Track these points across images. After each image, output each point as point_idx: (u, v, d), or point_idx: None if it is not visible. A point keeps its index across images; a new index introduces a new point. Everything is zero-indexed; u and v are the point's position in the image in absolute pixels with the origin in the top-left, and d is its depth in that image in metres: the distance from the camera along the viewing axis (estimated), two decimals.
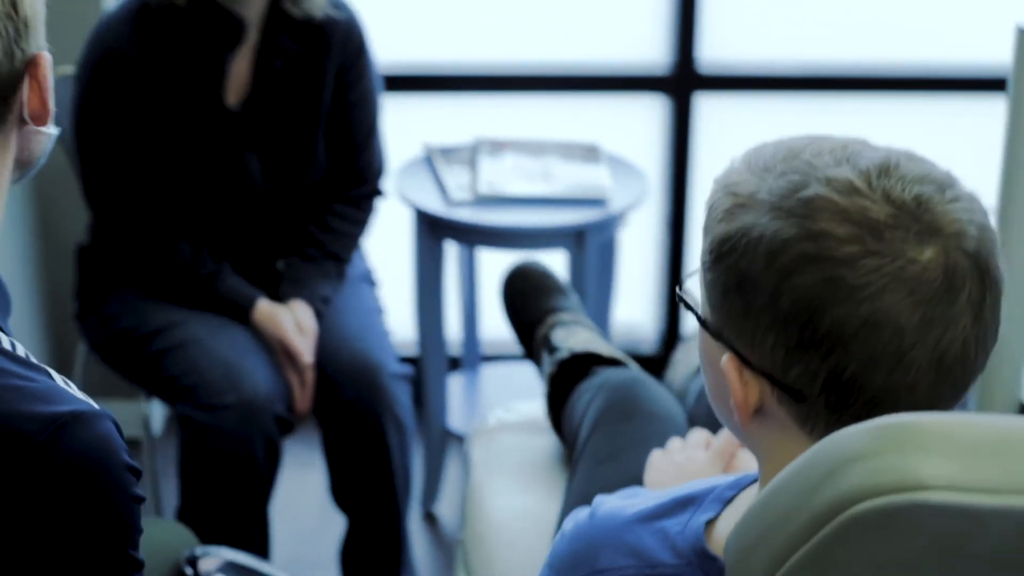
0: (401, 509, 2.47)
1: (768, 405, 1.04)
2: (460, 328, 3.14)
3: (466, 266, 3.06)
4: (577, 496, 1.79)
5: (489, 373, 3.17)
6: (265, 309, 2.39)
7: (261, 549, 2.38)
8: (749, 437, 1.09)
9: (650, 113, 3.14)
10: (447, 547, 2.82)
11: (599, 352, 2.08)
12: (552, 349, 2.15)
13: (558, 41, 3.09)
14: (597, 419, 1.89)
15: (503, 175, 2.80)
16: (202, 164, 2.36)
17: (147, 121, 2.32)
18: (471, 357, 3.16)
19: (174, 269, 2.37)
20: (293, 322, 2.38)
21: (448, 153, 2.91)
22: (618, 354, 2.11)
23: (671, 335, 3.28)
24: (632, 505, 1.16)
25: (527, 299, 2.31)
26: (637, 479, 1.73)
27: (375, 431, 2.39)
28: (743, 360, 1.03)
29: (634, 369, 2.05)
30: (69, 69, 2.40)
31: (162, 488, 2.81)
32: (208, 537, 2.26)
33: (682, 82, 3.08)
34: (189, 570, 1.80)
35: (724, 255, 1.04)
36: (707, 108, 3.13)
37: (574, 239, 2.68)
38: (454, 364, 3.14)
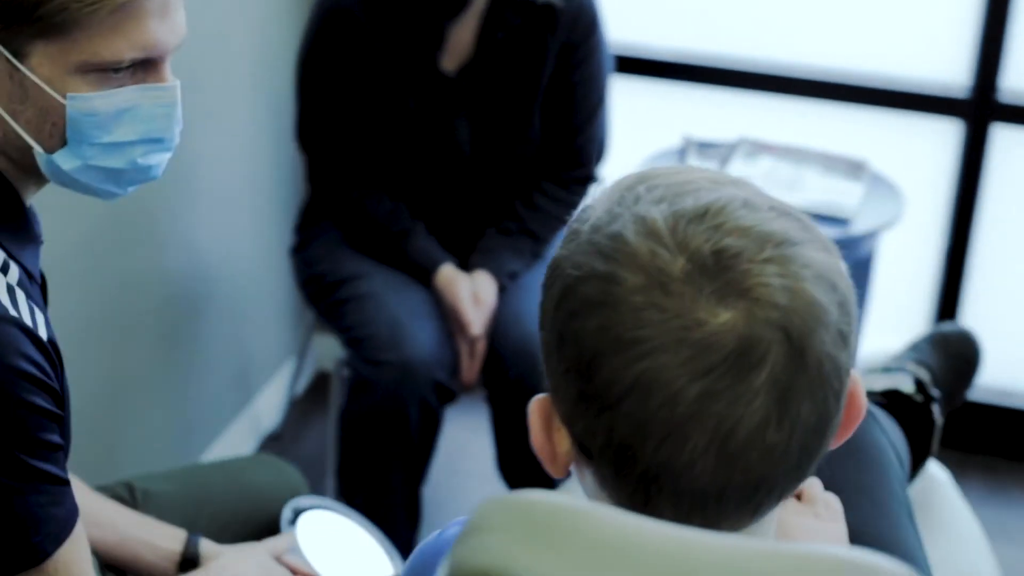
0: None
1: (576, 459, 0.97)
2: None
3: None
4: None
5: None
6: (447, 274, 2.42)
7: (411, 513, 2.43)
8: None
9: (937, 137, 2.91)
10: None
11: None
12: None
13: (848, 47, 2.92)
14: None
15: (749, 178, 2.70)
16: (413, 125, 2.41)
17: (364, 78, 2.40)
18: None
19: (369, 221, 2.44)
20: (470, 291, 2.40)
21: (706, 148, 2.83)
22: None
23: None
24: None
25: None
26: None
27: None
28: (554, 404, 0.96)
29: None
30: None
31: None
32: (354, 496, 2.33)
33: (980, 109, 2.83)
34: (288, 513, 1.86)
35: (544, 285, 0.96)
36: (1004, 140, 2.86)
37: None
38: None
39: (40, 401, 1.30)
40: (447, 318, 2.41)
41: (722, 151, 2.81)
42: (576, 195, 2.53)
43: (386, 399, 2.31)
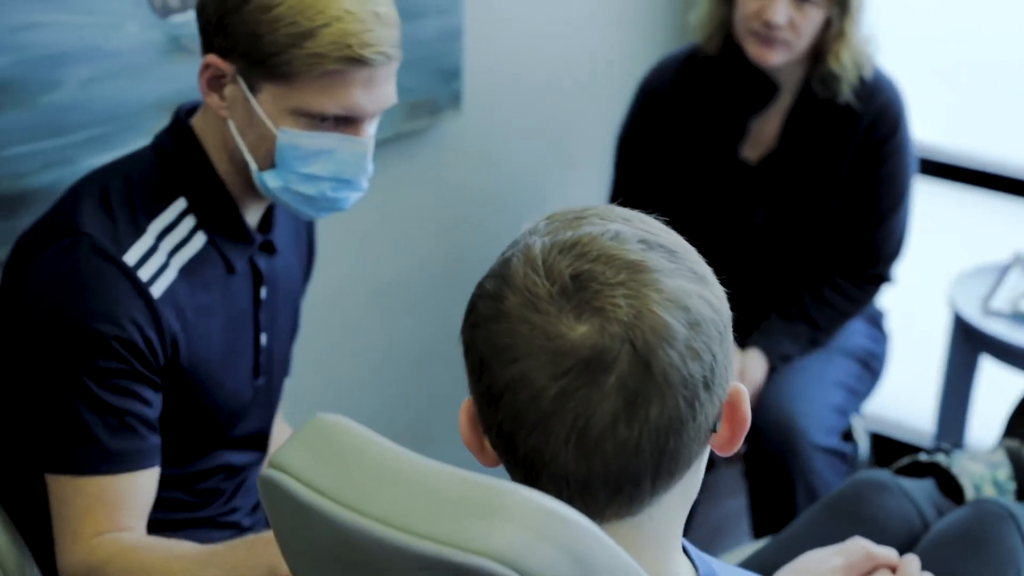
0: None
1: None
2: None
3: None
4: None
5: None
6: None
7: None
8: None
9: None
10: None
11: None
12: None
13: None
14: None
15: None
16: (711, 207, 2.59)
17: (671, 158, 2.60)
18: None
19: None
20: (738, 367, 2.53)
21: None
22: None
23: None
24: None
25: None
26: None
27: (786, 489, 2.46)
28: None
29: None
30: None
31: None
32: None
33: None
34: None
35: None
36: None
37: None
38: None
39: (115, 344, 1.50)
40: None
41: None
42: (867, 293, 2.59)
43: None
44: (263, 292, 1.74)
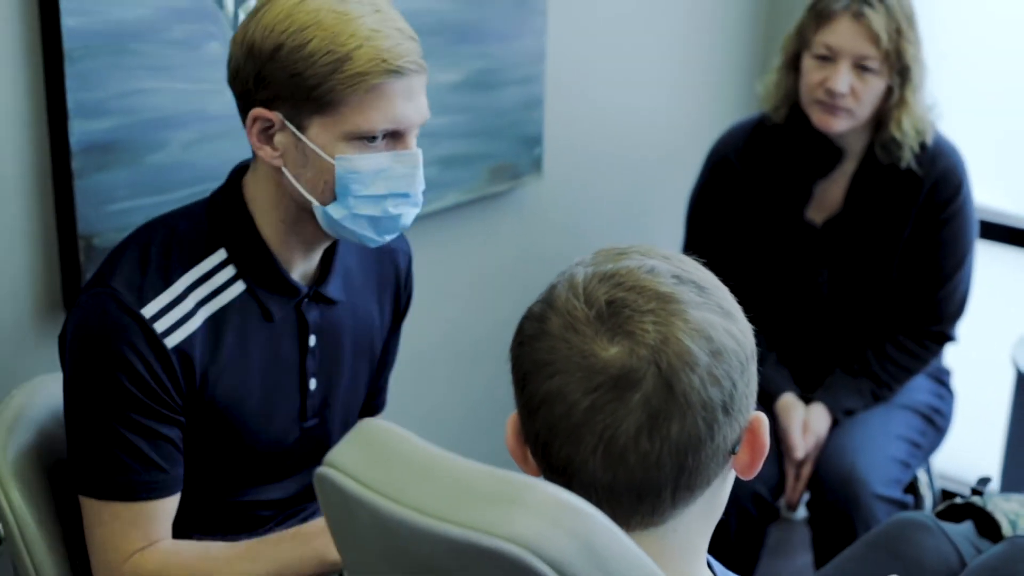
0: None
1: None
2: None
3: None
4: None
5: None
6: (786, 401, 2.66)
7: None
8: None
9: None
10: None
11: None
12: None
13: None
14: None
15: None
16: (777, 267, 2.70)
17: (738, 219, 2.72)
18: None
19: None
20: (801, 420, 2.62)
21: None
22: None
23: None
24: None
25: None
26: None
27: (849, 539, 2.54)
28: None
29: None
30: None
31: None
32: None
33: None
34: None
35: None
36: None
37: None
38: None
39: (130, 385, 1.61)
40: (779, 441, 2.64)
41: None
42: (929, 351, 2.68)
43: None
44: (311, 340, 1.79)
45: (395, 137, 1.67)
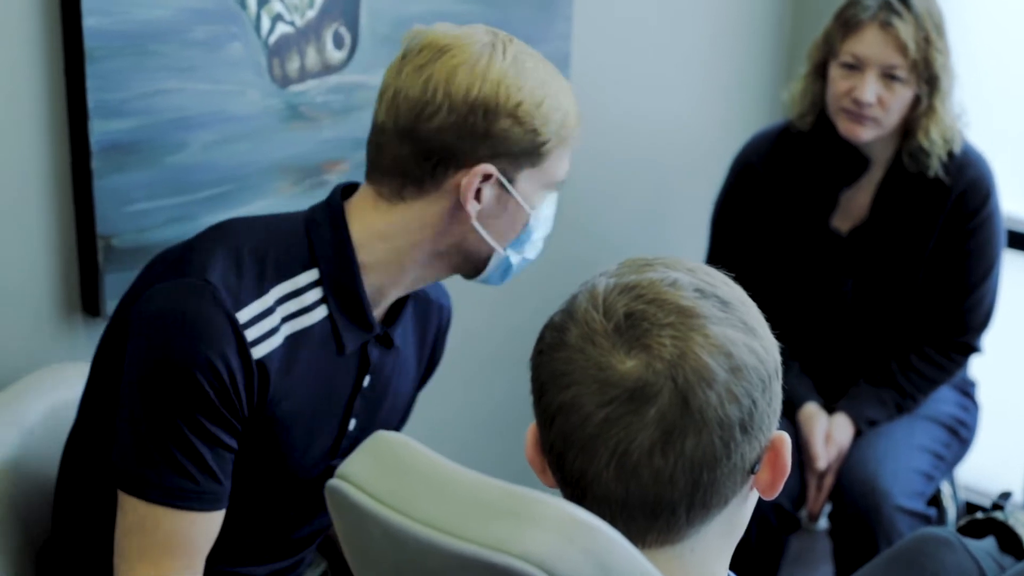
0: None
1: None
2: None
3: None
4: None
5: None
6: (808, 411, 2.64)
7: None
8: None
9: None
10: None
11: None
12: None
13: None
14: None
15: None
16: (802, 275, 2.68)
17: (762, 227, 2.70)
18: None
19: None
20: (825, 430, 2.60)
21: None
22: None
23: None
24: None
25: None
26: None
27: (870, 550, 2.52)
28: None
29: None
30: None
31: None
32: None
33: None
34: None
35: None
36: None
37: None
38: None
39: (208, 388, 1.55)
40: (801, 451, 2.62)
41: None
42: (955, 362, 2.65)
43: None
44: (366, 380, 1.77)
45: None
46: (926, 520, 2.54)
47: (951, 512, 2.70)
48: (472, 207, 1.65)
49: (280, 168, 2.22)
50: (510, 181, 1.65)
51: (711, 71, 3.12)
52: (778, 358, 1.17)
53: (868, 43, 2.49)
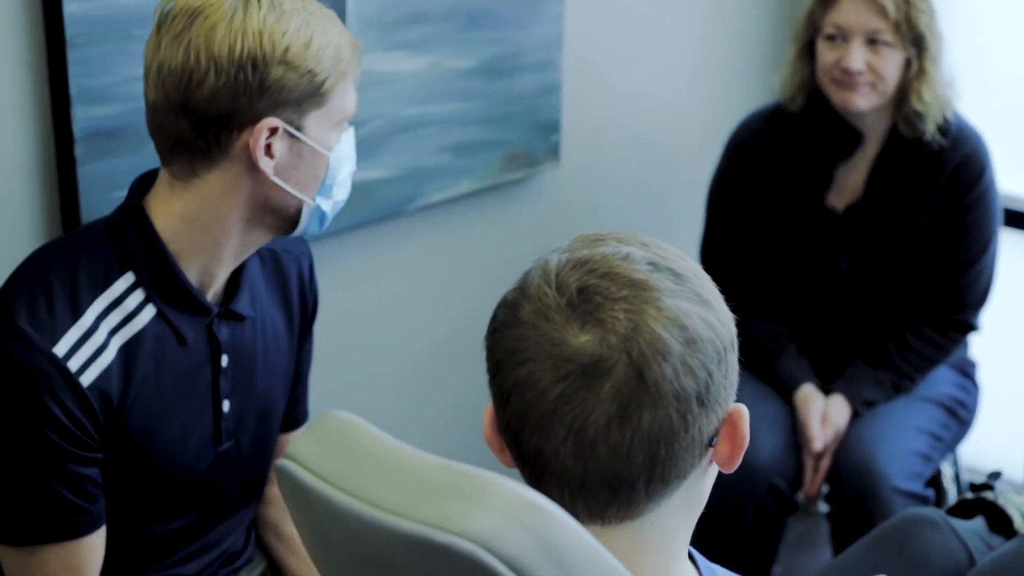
0: None
1: None
2: None
3: None
4: None
5: None
6: (805, 393, 2.62)
7: None
8: None
9: None
10: None
11: None
12: None
13: None
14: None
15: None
16: (798, 255, 2.66)
17: (757, 206, 2.68)
18: None
19: (744, 337, 2.68)
20: (821, 411, 2.58)
21: None
22: None
23: None
24: None
25: None
26: None
27: (867, 532, 2.49)
28: None
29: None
30: None
31: None
32: None
33: None
34: None
35: None
36: None
37: None
38: None
39: (52, 435, 1.53)
40: (798, 433, 2.60)
41: None
42: (952, 340, 2.63)
43: (727, 495, 2.54)
44: (224, 360, 1.74)
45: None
46: (923, 502, 2.52)
47: (952, 493, 2.68)
48: (266, 164, 1.59)
49: None
50: (298, 129, 1.60)
51: (706, 50, 3.10)
52: (733, 330, 1.17)
53: (848, 11, 2.49)
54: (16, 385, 1.54)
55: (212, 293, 1.71)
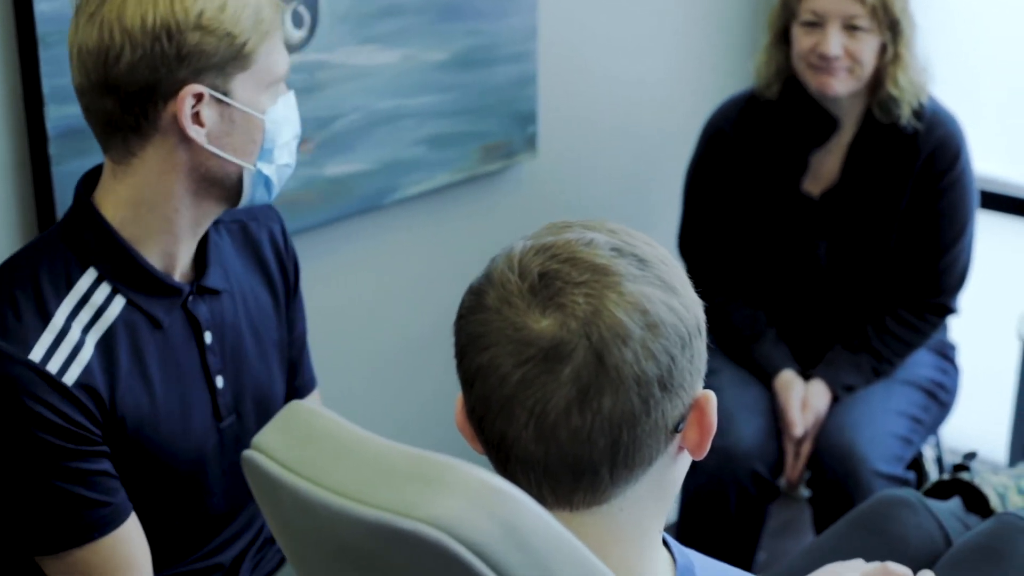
0: None
1: None
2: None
3: None
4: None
5: None
6: (785, 378, 2.63)
7: None
8: None
9: None
10: None
11: None
12: None
13: None
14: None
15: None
16: (775, 241, 2.67)
17: (735, 194, 2.69)
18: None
19: (726, 324, 2.71)
20: (800, 397, 2.59)
21: None
22: None
23: None
24: None
25: None
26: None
27: None
28: None
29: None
30: None
31: None
32: None
33: None
34: None
35: None
36: None
37: None
38: None
39: (48, 436, 1.54)
40: (778, 419, 2.61)
41: None
42: (930, 324, 2.64)
43: (709, 482, 2.55)
44: (207, 337, 1.74)
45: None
46: (905, 484, 2.53)
47: (934, 475, 2.69)
48: (196, 133, 1.58)
49: None
50: (225, 94, 1.58)
51: (684, 39, 3.11)
52: (701, 316, 1.17)
53: None
54: (2, 399, 1.55)
55: (179, 273, 1.70)
